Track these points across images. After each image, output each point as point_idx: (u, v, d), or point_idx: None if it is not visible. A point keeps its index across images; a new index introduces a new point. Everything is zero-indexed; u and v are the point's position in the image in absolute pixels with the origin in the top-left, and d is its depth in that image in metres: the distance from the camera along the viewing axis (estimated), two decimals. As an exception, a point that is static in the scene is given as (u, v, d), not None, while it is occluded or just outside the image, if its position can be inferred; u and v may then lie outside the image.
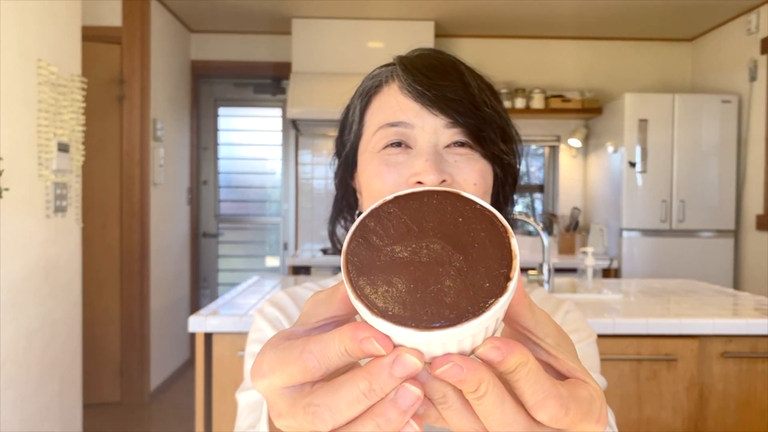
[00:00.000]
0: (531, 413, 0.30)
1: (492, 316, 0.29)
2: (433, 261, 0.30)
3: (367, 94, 0.67)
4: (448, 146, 0.62)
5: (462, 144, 0.62)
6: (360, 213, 0.70)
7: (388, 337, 0.29)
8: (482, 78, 0.68)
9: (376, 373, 0.29)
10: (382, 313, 0.29)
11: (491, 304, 0.29)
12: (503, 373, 0.29)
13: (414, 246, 0.31)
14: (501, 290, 0.29)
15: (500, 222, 0.32)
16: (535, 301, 0.77)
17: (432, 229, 0.31)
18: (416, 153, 0.62)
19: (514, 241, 0.31)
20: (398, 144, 0.63)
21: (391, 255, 0.31)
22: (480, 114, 0.62)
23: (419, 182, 0.60)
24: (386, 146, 0.63)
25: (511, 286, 0.29)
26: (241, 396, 0.69)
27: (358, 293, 0.30)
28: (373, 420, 0.29)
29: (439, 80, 0.62)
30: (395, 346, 0.30)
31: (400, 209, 0.32)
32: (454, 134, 0.62)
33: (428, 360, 0.30)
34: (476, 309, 0.28)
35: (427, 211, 0.32)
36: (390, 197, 0.33)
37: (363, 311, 0.29)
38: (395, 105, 0.63)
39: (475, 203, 0.32)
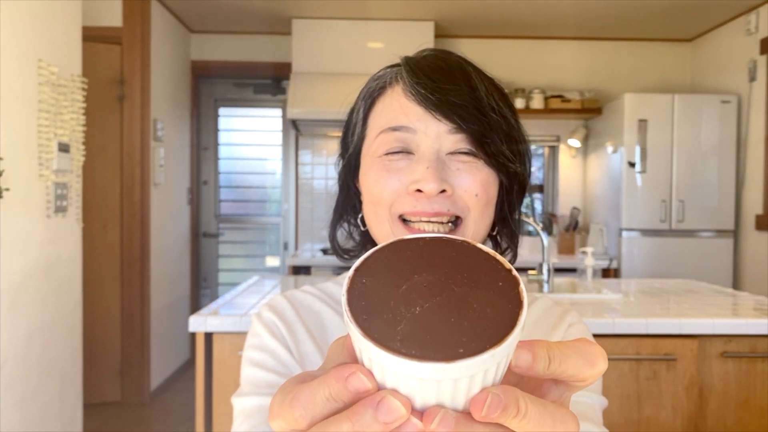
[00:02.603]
0: (580, 378, 0.30)
1: (522, 324, 0.29)
2: (443, 296, 0.29)
3: (371, 95, 0.65)
4: (451, 153, 0.60)
5: (466, 152, 0.60)
6: (362, 217, 0.69)
7: (371, 373, 0.28)
8: (492, 81, 0.64)
9: (359, 413, 0.27)
10: (422, 356, 0.26)
11: (518, 314, 0.29)
12: (539, 372, 0.29)
13: (417, 282, 0.30)
14: (519, 303, 0.29)
15: (488, 252, 0.32)
16: (539, 310, 0.74)
17: (426, 266, 0.31)
18: (417, 159, 0.59)
19: (505, 260, 0.32)
20: (400, 150, 0.60)
21: (399, 293, 0.29)
22: (486, 120, 0.59)
23: (419, 190, 0.58)
24: (388, 151, 0.61)
25: (524, 297, 0.30)
26: (236, 401, 0.66)
27: (384, 345, 0.27)
28: (349, 420, 0.27)
29: (445, 83, 0.59)
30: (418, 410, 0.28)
31: (388, 256, 0.32)
32: (458, 141, 0.59)
33: (453, 403, 0.28)
34: (510, 324, 0.28)
35: (413, 254, 0.32)
36: (373, 250, 0.32)
37: (399, 363, 0.27)
38: (398, 108, 0.61)
39: (455, 240, 0.33)
